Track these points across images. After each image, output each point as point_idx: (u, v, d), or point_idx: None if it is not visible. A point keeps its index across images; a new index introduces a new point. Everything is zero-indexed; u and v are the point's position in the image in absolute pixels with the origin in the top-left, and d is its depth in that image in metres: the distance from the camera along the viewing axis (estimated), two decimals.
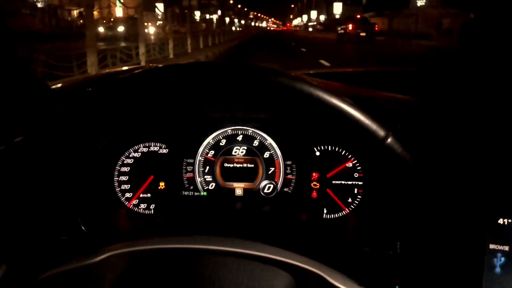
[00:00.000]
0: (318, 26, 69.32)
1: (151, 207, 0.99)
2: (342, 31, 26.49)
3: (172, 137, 1.00)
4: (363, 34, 24.13)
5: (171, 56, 12.08)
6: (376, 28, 26.42)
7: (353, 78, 1.45)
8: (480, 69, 0.85)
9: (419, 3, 32.41)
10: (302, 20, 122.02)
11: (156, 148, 1.00)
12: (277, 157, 0.98)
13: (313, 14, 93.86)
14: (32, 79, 1.04)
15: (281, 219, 0.95)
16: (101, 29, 10.59)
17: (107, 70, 1.57)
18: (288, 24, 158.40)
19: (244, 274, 0.62)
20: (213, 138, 1.00)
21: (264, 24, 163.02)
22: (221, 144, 1.00)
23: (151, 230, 0.95)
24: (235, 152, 1.00)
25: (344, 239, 0.84)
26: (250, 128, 0.99)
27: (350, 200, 0.95)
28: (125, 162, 0.99)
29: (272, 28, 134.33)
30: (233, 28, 37.22)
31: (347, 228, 0.92)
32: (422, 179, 0.59)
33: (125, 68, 1.59)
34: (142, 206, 0.99)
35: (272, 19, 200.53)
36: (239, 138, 1.00)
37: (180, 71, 0.64)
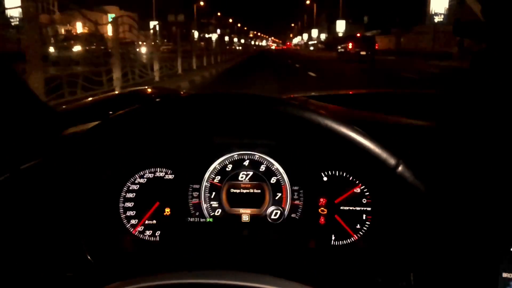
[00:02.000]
0: (320, 45, 70.15)
1: (156, 234, 1.01)
2: (342, 50, 26.97)
3: (178, 162, 1.02)
4: (363, 52, 24.56)
5: (157, 79, 11.41)
6: (377, 47, 26.73)
7: (363, 101, 1.48)
8: (493, 97, 0.87)
9: (436, 19, 30.97)
10: (302, 39, 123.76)
11: (162, 174, 1.02)
12: (284, 182, 1.01)
13: (314, 32, 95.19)
14: (37, 103, 1.07)
15: (289, 246, 0.96)
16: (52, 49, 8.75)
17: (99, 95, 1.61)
18: (288, 43, 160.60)
19: None
20: (219, 164, 1.02)
21: (264, 43, 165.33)
22: (227, 169, 1.02)
23: (157, 258, 0.97)
24: (242, 177, 1.02)
25: (354, 268, 0.85)
26: (256, 153, 1.02)
27: (358, 226, 0.96)
28: (130, 188, 1.01)
29: (272, 47, 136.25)
30: (233, 47, 37.65)
31: (356, 256, 0.93)
32: (434, 207, 0.61)
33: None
34: (148, 233, 1.01)
35: (272, 38, 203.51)
36: (246, 163, 1.02)
37: (193, 102, 0.67)
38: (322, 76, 15.11)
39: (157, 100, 0.75)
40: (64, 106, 1.38)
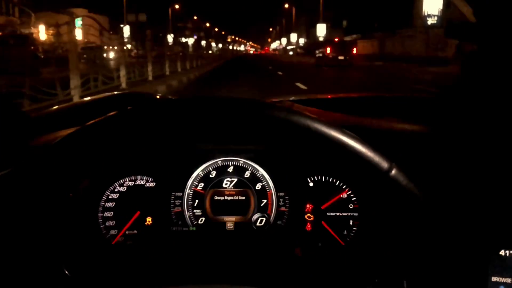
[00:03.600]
0: (299, 50, 70.58)
1: (137, 244, 1.00)
2: (321, 55, 27.31)
3: (159, 170, 1.01)
4: (341, 57, 25.04)
5: (124, 85, 10.78)
6: (355, 52, 27.12)
7: (352, 105, 1.50)
8: (486, 99, 0.89)
9: (430, 21, 29.02)
10: (281, 44, 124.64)
11: (142, 182, 1.01)
12: (270, 188, 1.01)
13: (293, 37, 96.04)
14: (13, 110, 1.05)
15: (275, 254, 0.97)
16: None
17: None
18: (266, 48, 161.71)
19: None
20: (202, 170, 1.02)
21: (242, 47, 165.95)
22: (211, 176, 1.02)
23: (138, 269, 0.95)
24: (226, 184, 1.02)
25: (343, 275, 0.86)
26: (241, 159, 1.02)
27: (345, 232, 0.97)
28: (109, 197, 1.00)
29: (250, 52, 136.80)
30: (210, 52, 37.62)
31: (344, 263, 0.94)
32: (427, 211, 0.61)
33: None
34: (128, 243, 0.99)
35: (250, 42, 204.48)
36: (230, 169, 1.02)
37: (175, 107, 0.67)
38: (314, 88, 12.90)
39: (137, 105, 0.74)
40: (33, 114, 1.35)
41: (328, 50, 25.89)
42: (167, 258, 0.97)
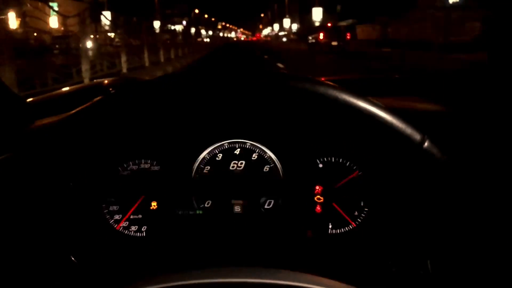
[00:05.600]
0: (292, 36, 69.88)
1: (142, 229, 1.00)
2: (314, 41, 27.26)
3: (164, 153, 1.01)
4: (334, 43, 25.01)
5: (87, 81, 10.28)
6: (348, 37, 26.67)
7: (369, 86, 1.47)
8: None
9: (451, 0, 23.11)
10: (273, 30, 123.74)
11: (147, 166, 1.01)
12: (278, 171, 1.02)
13: (286, 22, 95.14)
14: (6, 94, 1.04)
15: (284, 236, 0.97)
16: None
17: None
18: (257, 34, 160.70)
19: None
20: (208, 153, 1.02)
21: (232, 34, 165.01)
22: (217, 159, 1.02)
23: (144, 253, 0.96)
24: (233, 167, 1.02)
25: (362, 257, 0.86)
26: (248, 141, 1.02)
27: (356, 213, 0.98)
28: (113, 181, 1.00)
29: (242, 39, 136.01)
30: (199, 39, 37.29)
31: (359, 244, 0.95)
32: (460, 185, 0.60)
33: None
34: (133, 228, 0.99)
35: (241, 29, 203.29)
36: (237, 152, 1.02)
37: (198, 80, 0.65)
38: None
39: (138, 84, 0.73)
40: (30, 98, 1.34)
41: (321, 35, 25.86)
42: (174, 242, 0.97)
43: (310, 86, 0.61)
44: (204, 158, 1.02)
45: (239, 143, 1.02)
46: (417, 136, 0.60)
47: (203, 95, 0.70)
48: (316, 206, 1.00)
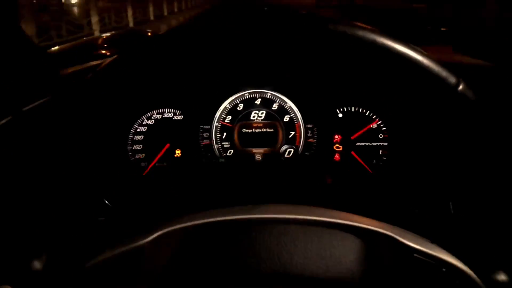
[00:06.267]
0: None
1: (167, 176, 1.05)
2: None
3: (186, 102, 1.04)
4: None
5: (131, 24, 11.87)
6: None
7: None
8: None
9: None
10: None
11: (170, 115, 1.04)
12: (298, 120, 1.04)
13: None
14: (29, 46, 1.06)
15: (304, 182, 1.02)
16: None
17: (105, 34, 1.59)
18: None
19: (312, 242, 0.62)
20: (230, 103, 1.05)
21: None
22: (238, 108, 1.05)
23: (168, 198, 1.01)
24: (254, 116, 1.05)
25: (379, 201, 0.90)
26: (269, 91, 1.05)
27: (374, 161, 1.02)
28: (138, 130, 1.03)
29: None
30: None
31: (375, 190, 0.99)
32: (492, 130, 0.62)
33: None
34: (158, 174, 1.04)
35: None
36: (258, 102, 1.05)
37: (226, 23, 0.65)
38: None
39: (166, 32, 0.74)
40: (52, 48, 1.36)
41: None
42: (197, 188, 1.02)
43: (348, 29, 0.61)
44: (225, 107, 1.05)
45: (260, 93, 1.05)
46: (452, 79, 0.61)
47: (231, 40, 0.69)
48: (335, 154, 1.04)
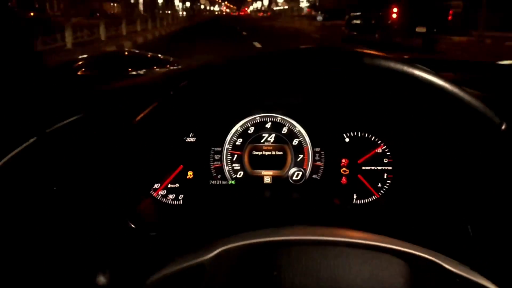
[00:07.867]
0: (314, 13, 42.38)
1: (179, 198, 1.09)
2: (358, 22, 14.25)
3: (199, 125, 1.09)
4: (421, 29, 11.90)
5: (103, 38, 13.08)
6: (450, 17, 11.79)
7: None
8: None
9: None
10: (263, 5, 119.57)
11: (183, 137, 1.09)
12: (306, 144, 1.11)
13: None
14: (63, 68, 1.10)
15: (311, 206, 1.07)
16: None
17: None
18: (245, 9, 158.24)
19: (365, 264, 0.62)
20: (241, 126, 1.11)
21: (216, 8, 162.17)
22: (249, 132, 1.11)
23: (181, 221, 1.04)
24: (264, 139, 1.12)
25: (385, 225, 0.95)
26: (279, 116, 1.11)
27: (380, 185, 1.09)
28: (152, 150, 1.08)
29: (227, 12, 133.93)
30: (169, 12, 34.23)
31: (381, 212, 1.06)
32: None
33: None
34: (170, 196, 1.08)
35: (226, 2, 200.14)
36: (268, 125, 1.11)
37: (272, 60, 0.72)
38: None
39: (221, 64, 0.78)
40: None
41: (395, 12, 12.27)
42: (208, 210, 1.06)
43: (400, 67, 0.66)
44: (236, 130, 1.11)
45: (270, 117, 1.11)
46: (496, 119, 0.67)
47: (277, 75, 0.75)
48: (342, 177, 1.10)
